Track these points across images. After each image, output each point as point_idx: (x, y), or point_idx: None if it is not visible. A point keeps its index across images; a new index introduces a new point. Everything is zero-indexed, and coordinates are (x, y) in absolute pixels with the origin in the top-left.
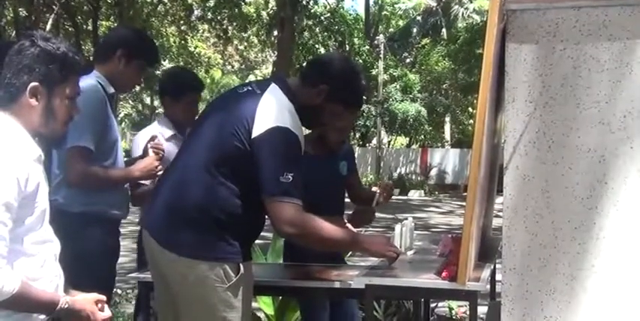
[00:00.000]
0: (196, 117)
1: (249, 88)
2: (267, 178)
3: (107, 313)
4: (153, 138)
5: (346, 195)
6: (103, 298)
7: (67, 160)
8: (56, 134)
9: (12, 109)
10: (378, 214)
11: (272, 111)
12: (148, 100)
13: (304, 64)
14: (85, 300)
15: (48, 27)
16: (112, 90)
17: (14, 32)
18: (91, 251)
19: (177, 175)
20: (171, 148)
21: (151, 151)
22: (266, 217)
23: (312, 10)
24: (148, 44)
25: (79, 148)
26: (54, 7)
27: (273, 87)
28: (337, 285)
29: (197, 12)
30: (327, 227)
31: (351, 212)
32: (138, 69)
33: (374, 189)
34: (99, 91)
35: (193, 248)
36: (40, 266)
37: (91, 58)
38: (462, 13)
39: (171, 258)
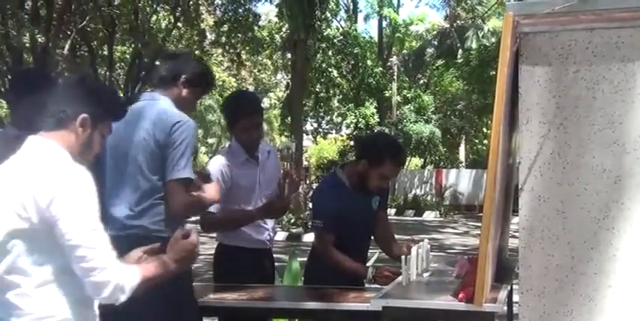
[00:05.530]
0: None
1: None
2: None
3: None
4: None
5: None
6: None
7: (176, 190)
8: (87, 164)
9: (56, 133)
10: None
11: None
12: None
13: (318, 86)
14: (176, 242)
15: (65, 52)
16: None
17: (31, 57)
18: None
19: None
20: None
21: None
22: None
23: (325, 33)
24: (208, 72)
25: (189, 180)
26: (70, 33)
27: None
28: (354, 307)
29: (211, 36)
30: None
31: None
32: (196, 96)
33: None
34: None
35: None
36: None
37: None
38: (477, 34)
39: None
